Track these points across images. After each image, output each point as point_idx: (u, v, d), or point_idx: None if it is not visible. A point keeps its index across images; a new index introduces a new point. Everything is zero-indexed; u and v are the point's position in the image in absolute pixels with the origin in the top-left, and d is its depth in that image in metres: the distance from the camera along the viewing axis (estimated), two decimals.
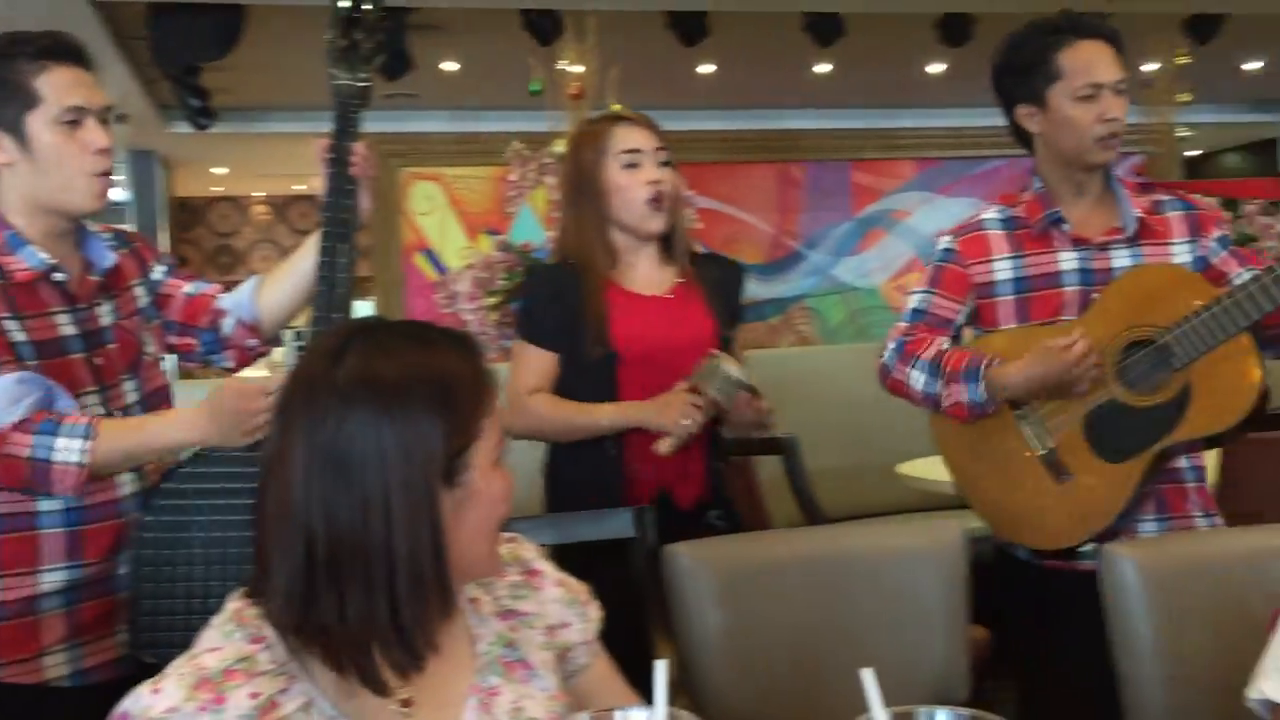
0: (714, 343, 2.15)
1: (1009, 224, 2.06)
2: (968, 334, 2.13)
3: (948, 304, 2.07)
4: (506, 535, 1.22)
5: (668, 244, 2.21)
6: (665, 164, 2.16)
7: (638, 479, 2.12)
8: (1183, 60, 5.71)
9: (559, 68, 4.41)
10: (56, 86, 1.71)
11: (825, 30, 7.14)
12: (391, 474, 1.03)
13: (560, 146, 4.24)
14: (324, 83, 1.89)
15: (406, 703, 1.10)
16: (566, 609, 1.26)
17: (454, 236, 9.43)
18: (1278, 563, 1.28)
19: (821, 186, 11.14)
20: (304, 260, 1.93)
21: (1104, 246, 2.00)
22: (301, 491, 1.04)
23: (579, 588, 1.28)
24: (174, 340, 2.01)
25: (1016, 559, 2.07)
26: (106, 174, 1.77)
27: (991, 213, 2.09)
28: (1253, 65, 9.89)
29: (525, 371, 2.17)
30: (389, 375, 1.05)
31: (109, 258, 1.87)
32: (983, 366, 1.94)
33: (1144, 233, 2.01)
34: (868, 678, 0.75)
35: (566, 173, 2.22)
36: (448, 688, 1.14)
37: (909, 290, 2.14)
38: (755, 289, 10.86)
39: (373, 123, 1.96)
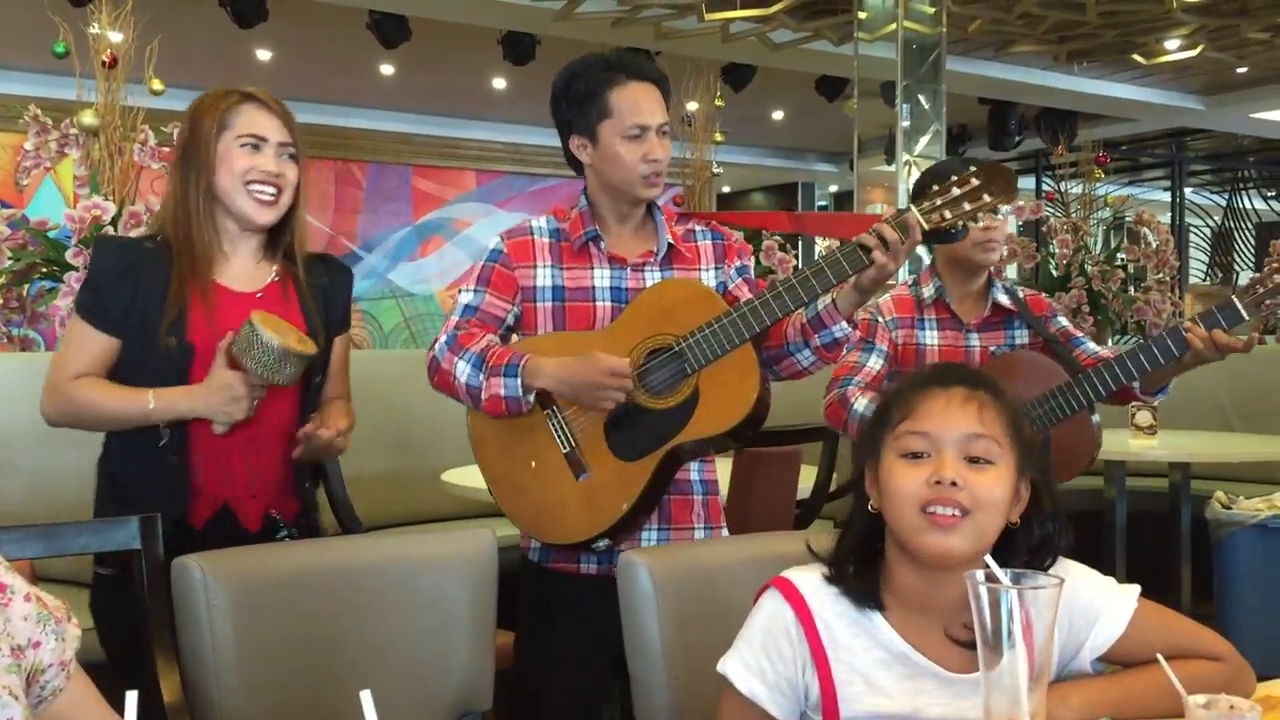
0: None
1: (554, 235, 2.14)
2: (513, 339, 2.18)
3: (498, 302, 2.10)
4: None
5: (274, 236, 2.05)
6: (291, 158, 2.01)
7: (198, 490, 1.95)
8: (719, 103, 6.21)
9: (91, 31, 3.99)
10: None
11: (390, 31, 7.07)
12: None
13: (89, 117, 3.84)
14: None
15: None
16: (37, 627, 1.12)
17: None
18: (770, 567, 1.39)
19: (382, 189, 11.02)
20: None
21: (638, 268, 2.12)
22: None
23: (54, 604, 1.15)
24: None
25: (529, 561, 2.16)
26: None
27: (541, 222, 2.16)
28: (778, 115, 11.00)
29: (75, 353, 1.95)
30: None
31: None
32: (520, 363, 1.99)
33: (675, 257, 2.15)
34: (365, 701, 0.71)
35: (178, 142, 2.03)
36: None
37: (461, 288, 2.15)
38: None
39: None
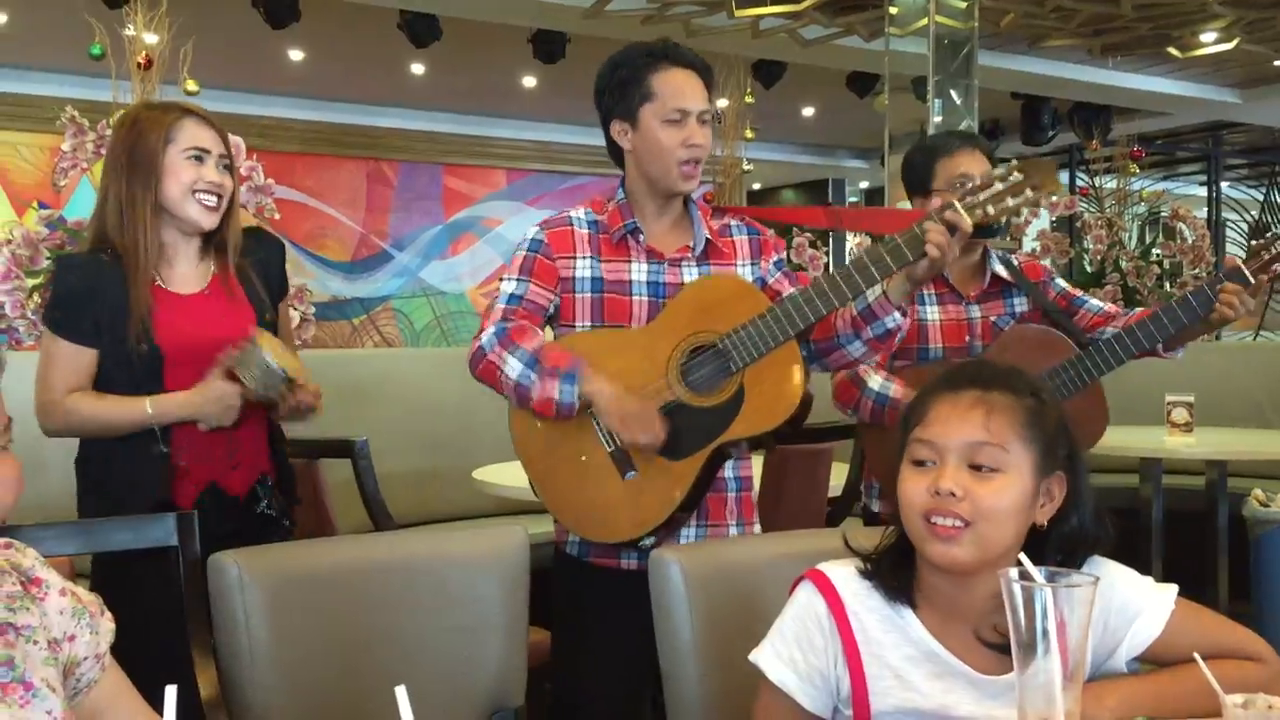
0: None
1: (593, 226, 2.14)
2: (546, 330, 2.18)
3: (542, 291, 2.10)
4: (2, 541, 1.09)
5: (208, 238, 2.20)
6: (227, 169, 2.16)
7: (183, 474, 2.10)
8: (750, 100, 6.20)
9: (127, 33, 4.03)
10: None
11: (421, 31, 7.09)
12: None
13: None
14: None
15: None
16: (73, 620, 1.14)
17: None
18: (801, 564, 1.39)
19: (413, 187, 11.06)
20: None
21: (675, 262, 2.12)
22: None
23: (89, 598, 1.18)
24: None
25: (567, 555, 2.16)
26: None
27: (580, 213, 2.16)
28: (809, 111, 10.96)
29: (61, 369, 2.09)
30: None
31: None
32: (579, 371, 1.98)
33: (712, 252, 2.15)
34: (401, 696, 0.72)
35: (119, 154, 2.14)
36: None
37: (503, 277, 2.15)
38: (339, 287, 10.59)
39: None
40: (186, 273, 2.18)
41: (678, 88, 2.06)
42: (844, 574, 1.34)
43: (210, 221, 2.14)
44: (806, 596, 1.34)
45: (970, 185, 1.99)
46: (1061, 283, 2.70)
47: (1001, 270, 2.61)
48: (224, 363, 2.04)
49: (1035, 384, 1.33)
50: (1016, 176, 1.93)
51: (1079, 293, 2.68)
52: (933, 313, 2.57)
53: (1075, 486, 1.31)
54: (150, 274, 2.10)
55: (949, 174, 2.49)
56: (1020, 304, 2.62)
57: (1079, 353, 2.46)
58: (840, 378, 2.51)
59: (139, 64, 3.95)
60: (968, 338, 2.57)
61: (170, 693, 0.72)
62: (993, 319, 2.59)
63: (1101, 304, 2.64)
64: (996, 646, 1.26)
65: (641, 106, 2.07)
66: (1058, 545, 1.30)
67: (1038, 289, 2.63)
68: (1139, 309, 2.63)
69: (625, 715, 2.13)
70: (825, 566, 1.35)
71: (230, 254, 2.20)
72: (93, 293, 2.08)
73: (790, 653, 1.32)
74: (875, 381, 2.47)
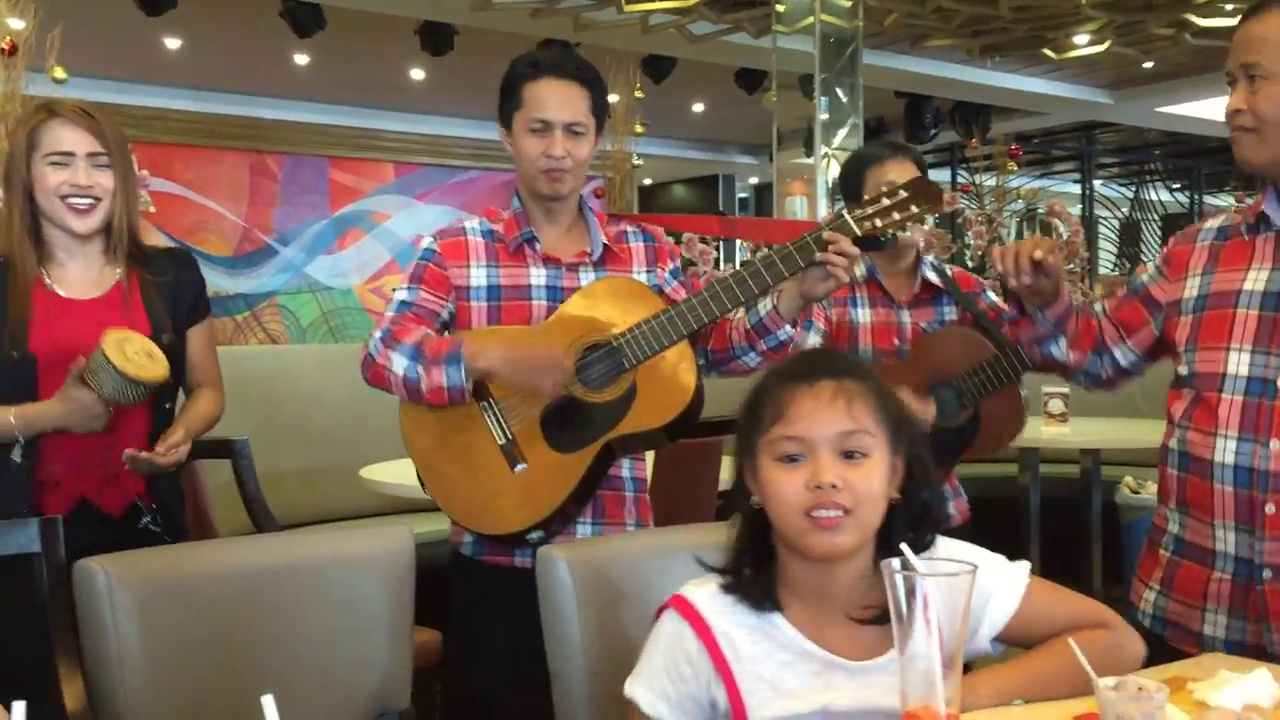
0: None
1: (489, 236, 2.15)
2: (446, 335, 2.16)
3: (433, 299, 2.11)
4: None
5: (110, 238, 2.14)
6: (104, 166, 2.09)
7: (52, 488, 2.03)
8: (639, 95, 6.21)
9: None
10: None
11: (304, 20, 6.95)
12: None
13: None
14: None
15: None
16: None
17: None
18: (689, 560, 1.39)
19: (298, 181, 10.82)
20: None
21: (573, 268, 2.14)
22: None
23: None
24: None
25: (461, 555, 2.15)
26: None
27: (474, 223, 2.18)
28: (698, 107, 11.04)
29: None
30: None
31: None
32: (462, 350, 1.99)
33: (609, 258, 2.17)
34: (268, 706, 0.69)
35: (7, 160, 2.13)
36: None
37: (394, 287, 2.17)
38: (222, 283, 10.32)
39: None
40: (84, 276, 2.12)
41: (542, 98, 2.09)
42: (705, 594, 1.34)
43: (84, 225, 2.08)
44: (672, 626, 1.33)
45: (864, 198, 2.04)
46: (993, 295, 2.77)
47: (933, 277, 2.67)
48: (75, 372, 1.97)
49: (865, 366, 1.37)
50: (901, 194, 1.99)
51: (1006, 307, 2.73)
52: (864, 315, 2.63)
53: (921, 460, 1.34)
54: (28, 280, 2.06)
55: (876, 182, 2.52)
56: (950, 312, 2.67)
57: (997, 353, 2.51)
58: None
59: (3, 50, 3.79)
60: (896, 341, 2.61)
61: (18, 709, 0.68)
62: (922, 324, 2.64)
63: None
64: (869, 622, 1.28)
65: (514, 114, 2.12)
66: (908, 522, 1.32)
67: (969, 298, 2.68)
68: None
69: (520, 713, 2.11)
70: (687, 590, 1.35)
71: (122, 252, 2.13)
72: None
73: (662, 684, 1.32)
74: None
